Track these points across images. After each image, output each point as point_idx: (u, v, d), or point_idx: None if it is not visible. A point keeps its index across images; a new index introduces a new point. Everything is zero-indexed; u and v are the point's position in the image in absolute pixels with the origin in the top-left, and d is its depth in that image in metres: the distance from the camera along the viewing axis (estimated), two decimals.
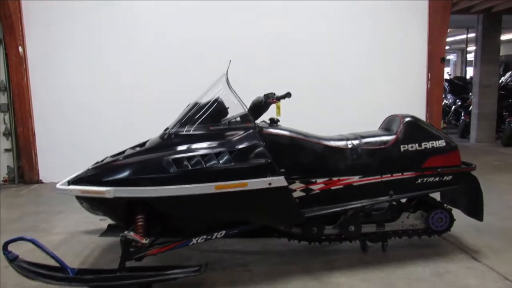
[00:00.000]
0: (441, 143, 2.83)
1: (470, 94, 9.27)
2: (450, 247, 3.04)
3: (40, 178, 5.49)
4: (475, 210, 2.93)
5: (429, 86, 5.89)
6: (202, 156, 2.45)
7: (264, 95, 2.77)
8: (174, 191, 2.38)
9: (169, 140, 2.61)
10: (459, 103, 9.77)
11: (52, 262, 2.44)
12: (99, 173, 2.51)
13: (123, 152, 2.85)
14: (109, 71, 5.44)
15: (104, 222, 3.75)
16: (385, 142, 2.82)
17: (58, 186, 2.60)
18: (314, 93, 5.61)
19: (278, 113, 2.65)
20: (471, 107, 8.80)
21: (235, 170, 2.44)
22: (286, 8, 5.58)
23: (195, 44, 5.52)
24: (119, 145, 5.16)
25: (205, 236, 2.52)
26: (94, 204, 2.60)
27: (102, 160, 2.79)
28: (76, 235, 3.53)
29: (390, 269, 2.72)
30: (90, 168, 2.58)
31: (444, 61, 5.80)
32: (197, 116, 2.66)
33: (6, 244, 2.34)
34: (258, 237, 3.00)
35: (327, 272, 2.69)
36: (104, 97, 5.46)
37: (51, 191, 5.11)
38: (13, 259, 2.34)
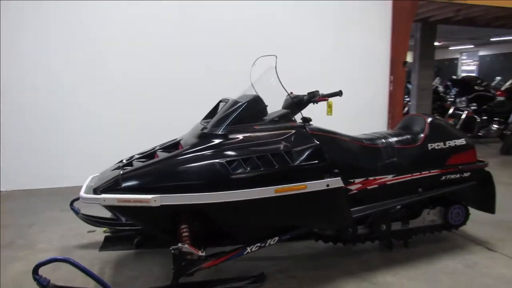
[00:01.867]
0: (461, 141, 2.98)
1: (406, 96, 10.02)
2: (460, 240, 3.21)
3: None
4: (488, 204, 3.13)
5: (391, 88, 6.21)
6: (258, 157, 2.29)
7: (308, 93, 2.68)
8: (231, 196, 2.19)
9: (211, 140, 2.39)
10: None
11: (83, 284, 2.11)
12: (138, 179, 2.22)
13: (151, 154, 2.58)
14: (83, 70, 4.95)
15: (93, 234, 3.37)
16: (415, 141, 2.89)
17: (83, 195, 2.26)
18: None
19: (330, 111, 2.58)
20: (406, 109, 9.52)
21: (293, 172, 2.32)
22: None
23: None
24: (88, 151, 4.81)
25: (259, 244, 2.36)
26: (131, 214, 2.29)
27: (126, 164, 2.49)
28: (71, 251, 3.09)
29: (424, 265, 2.79)
30: (122, 173, 2.26)
31: (405, 65, 6.16)
32: (240, 114, 2.47)
33: (37, 268, 1.97)
34: (297, 241, 2.90)
35: (370, 272, 2.68)
36: (75, 100, 4.96)
37: (7, 201, 4.45)
38: (46, 285, 1.97)
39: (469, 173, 3.00)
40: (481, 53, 17.50)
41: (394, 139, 2.89)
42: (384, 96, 6.27)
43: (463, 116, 8.39)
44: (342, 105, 5.85)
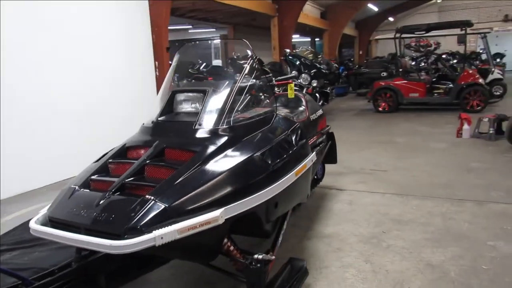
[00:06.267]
0: (321, 111, 3.74)
1: None
2: (319, 191, 4.03)
3: None
4: (332, 157, 4.05)
5: (157, 74, 6.29)
6: (277, 145, 2.22)
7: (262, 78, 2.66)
8: (280, 187, 2.07)
9: (222, 136, 2.09)
10: None
11: None
12: (186, 201, 1.72)
13: (140, 170, 1.92)
14: None
15: None
16: (305, 114, 3.41)
17: (118, 243, 1.54)
18: (50, 84, 4.79)
19: (292, 94, 2.68)
20: None
21: (298, 153, 2.40)
22: None
23: None
24: None
25: (281, 231, 2.31)
26: (192, 245, 1.75)
27: (115, 190, 1.80)
28: None
29: (329, 214, 3.44)
30: (156, 199, 1.68)
31: (168, 50, 6.35)
32: (229, 104, 2.24)
33: None
34: None
35: (314, 231, 3.08)
36: None
37: None
38: None
39: (325, 136, 3.82)
40: None
41: (295, 115, 3.29)
42: (152, 82, 6.29)
43: None
44: (113, 98, 5.58)
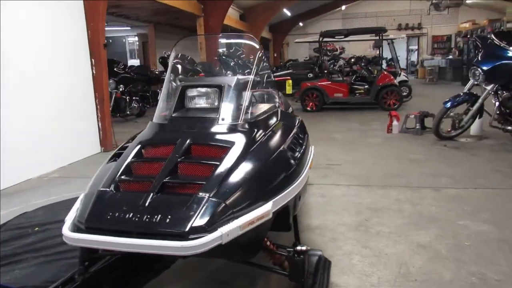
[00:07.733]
0: (291, 108, 3.84)
1: None
2: None
3: None
4: None
5: (94, 72, 5.86)
6: (295, 139, 2.26)
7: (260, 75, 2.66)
8: (302, 183, 2.10)
9: (247, 131, 2.07)
10: None
11: None
12: (239, 196, 1.68)
13: (173, 169, 1.81)
14: None
15: None
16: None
17: (188, 244, 1.46)
18: None
19: (290, 90, 2.71)
20: None
21: (307, 147, 2.45)
22: None
23: None
24: None
25: (297, 224, 2.34)
26: (249, 241, 1.71)
27: (157, 191, 1.68)
28: None
29: (305, 205, 3.54)
30: (214, 197, 1.62)
31: (106, 47, 5.94)
32: (246, 101, 2.23)
33: None
34: None
35: (299, 225, 3.14)
36: None
37: None
38: None
39: None
40: None
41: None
42: (89, 81, 5.84)
43: (113, 97, 8.88)
44: (51, 98, 5.11)
